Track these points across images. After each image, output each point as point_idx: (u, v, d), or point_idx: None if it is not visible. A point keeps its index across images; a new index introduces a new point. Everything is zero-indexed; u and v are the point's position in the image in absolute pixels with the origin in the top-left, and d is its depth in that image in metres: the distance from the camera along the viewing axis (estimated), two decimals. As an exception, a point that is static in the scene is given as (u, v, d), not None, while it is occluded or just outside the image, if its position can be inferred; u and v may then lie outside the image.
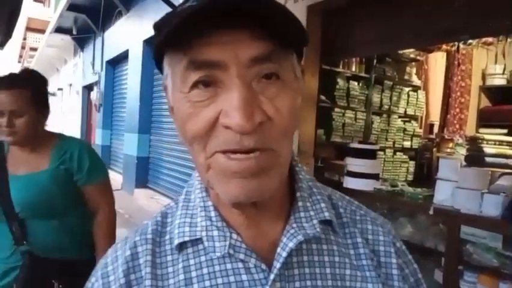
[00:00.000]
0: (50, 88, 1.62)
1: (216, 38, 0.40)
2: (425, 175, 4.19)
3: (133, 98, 7.19)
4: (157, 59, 0.48)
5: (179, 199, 0.55)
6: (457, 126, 4.18)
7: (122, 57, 8.03)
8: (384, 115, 4.41)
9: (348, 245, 0.53)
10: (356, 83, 4.05)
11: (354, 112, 4.08)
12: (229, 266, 0.47)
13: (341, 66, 3.95)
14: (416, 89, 4.68)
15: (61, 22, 9.81)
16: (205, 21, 0.39)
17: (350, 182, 2.78)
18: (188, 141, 0.45)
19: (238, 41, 0.40)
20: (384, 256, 0.54)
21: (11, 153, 1.48)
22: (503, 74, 4.12)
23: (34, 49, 15.75)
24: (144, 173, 7.01)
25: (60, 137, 1.56)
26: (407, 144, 4.62)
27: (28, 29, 15.93)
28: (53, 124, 13.21)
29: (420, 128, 4.76)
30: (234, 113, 0.40)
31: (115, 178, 7.43)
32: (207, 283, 0.47)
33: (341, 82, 3.91)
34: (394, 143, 4.51)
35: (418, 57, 4.55)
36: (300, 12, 2.91)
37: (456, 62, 4.20)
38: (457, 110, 4.21)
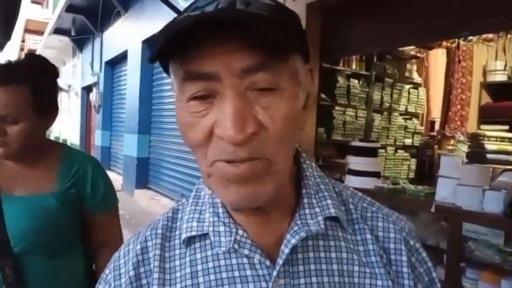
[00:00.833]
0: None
1: (208, 49, 0.41)
2: (427, 172, 4.16)
3: (132, 98, 7.18)
4: (164, 67, 0.49)
5: (190, 195, 0.57)
6: (458, 123, 4.17)
7: (121, 58, 8.03)
8: (385, 113, 4.40)
9: (357, 242, 0.52)
10: (356, 81, 4.04)
11: (354, 110, 4.06)
12: (234, 261, 0.48)
13: (341, 64, 3.93)
14: (416, 86, 4.67)
15: (59, 23, 9.80)
16: (195, 35, 0.39)
17: (351, 181, 2.77)
18: (191, 148, 0.46)
19: (230, 51, 0.40)
20: (394, 254, 0.53)
21: (3, 167, 1.13)
22: (504, 70, 4.11)
23: (33, 51, 15.72)
24: (144, 174, 7.01)
25: (64, 148, 1.24)
26: (408, 141, 4.61)
27: (26, 30, 15.88)
28: (52, 126, 13.16)
29: (422, 125, 4.76)
30: (226, 124, 0.40)
31: (115, 179, 7.42)
32: (212, 277, 0.48)
33: (341, 80, 3.90)
34: (395, 140, 4.50)
35: (418, 55, 4.55)
36: (299, 10, 2.90)
37: (456, 59, 4.20)
38: (458, 106, 4.21)
